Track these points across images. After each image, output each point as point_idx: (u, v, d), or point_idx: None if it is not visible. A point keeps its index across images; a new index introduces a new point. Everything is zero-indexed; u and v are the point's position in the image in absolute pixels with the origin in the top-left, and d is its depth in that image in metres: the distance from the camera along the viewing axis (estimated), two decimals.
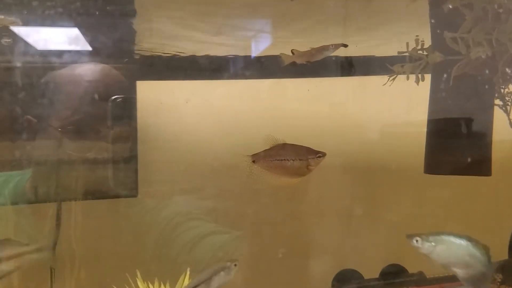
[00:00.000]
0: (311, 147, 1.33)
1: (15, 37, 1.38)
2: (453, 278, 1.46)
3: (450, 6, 1.46)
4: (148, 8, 1.56)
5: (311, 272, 1.82)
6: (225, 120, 1.76)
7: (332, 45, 1.40)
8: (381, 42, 1.86)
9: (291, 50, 1.41)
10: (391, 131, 1.86)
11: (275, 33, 1.74)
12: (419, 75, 1.56)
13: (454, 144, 1.61)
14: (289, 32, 1.82)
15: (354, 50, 1.67)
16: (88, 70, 1.53)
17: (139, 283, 1.30)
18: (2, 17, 1.29)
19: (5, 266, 1.31)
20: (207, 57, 1.73)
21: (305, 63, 1.41)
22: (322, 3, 1.62)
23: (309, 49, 1.41)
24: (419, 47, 1.56)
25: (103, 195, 1.57)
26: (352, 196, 1.85)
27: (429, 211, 1.85)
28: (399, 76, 1.59)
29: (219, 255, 1.59)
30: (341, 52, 1.51)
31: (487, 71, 1.49)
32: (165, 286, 1.33)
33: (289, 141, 1.31)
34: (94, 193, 1.56)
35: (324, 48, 1.40)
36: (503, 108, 1.57)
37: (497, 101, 1.57)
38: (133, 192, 1.60)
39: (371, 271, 1.69)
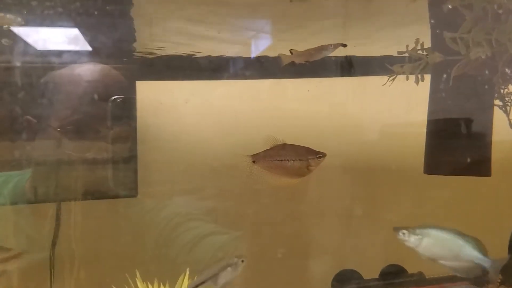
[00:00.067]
0: (311, 148, 1.33)
1: (14, 37, 1.38)
2: (453, 278, 1.45)
3: (450, 6, 1.46)
4: (148, 8, 1.56)
5: (310, 272, 1.82)
6: (225, 120, 1.75)
7: (331, 44, 1.40)
8: (381, 42, 1.86)
9: (290, 50, 1.40)
10: (391, 131, 1.86)
11: (275, 33, 1.74)
12: (419, 75, 1.56)
13: (454, 145, 1.61)
14: (289, 32, 1.82)
15: (354, 50, 1.67)
16: (88, 70, 1.53)
17: (139, 284, 1.30)
18: (2, 14, 1.29)
19: None
20: (207, 57, 1.73)
21: (304, 63, 1.41)
22: (322, 3, 1.62)
23: (308, 49, 1.41)
24: (419, 47, 1.56)
25: (102, 195, 1.57)
26: (352, 196, 1.85)
27: (429, 211, 1.84)
28: (398, 76, 1.58)
29: (219, 255, 1.59)
30: (341, 52, 1.51)
31: (486, 72, 1.49)
32: (164, 286, 1.33)
33: (289, 141, 1.31)
34: (94, 193, 1.56)
35: (323, 48, 1.40)
36: (503, 108, 1.57)
37: (497, 102, 1.56)
38: (132, 192, 1.60)
39: (370, 271, 1.69)
